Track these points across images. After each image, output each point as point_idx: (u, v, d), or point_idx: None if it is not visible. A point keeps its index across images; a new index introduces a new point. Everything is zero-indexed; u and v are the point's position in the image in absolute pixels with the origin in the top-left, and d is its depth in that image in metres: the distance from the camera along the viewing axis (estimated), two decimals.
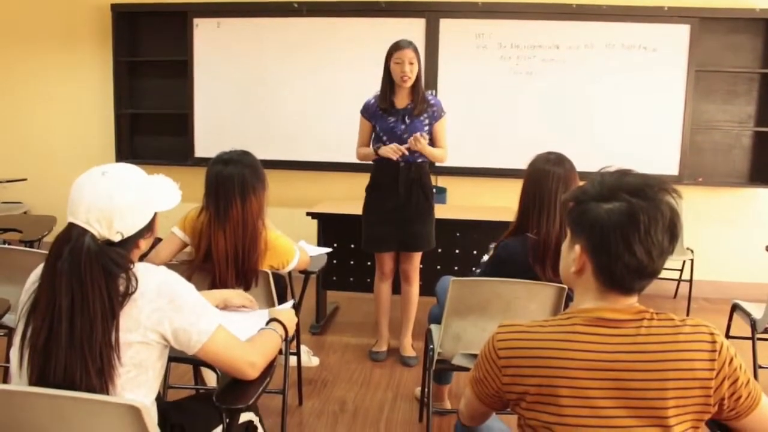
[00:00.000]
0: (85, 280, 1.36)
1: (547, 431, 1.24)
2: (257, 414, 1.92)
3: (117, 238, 1.43)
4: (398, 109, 3.50)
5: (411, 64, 3.38)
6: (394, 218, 3.57)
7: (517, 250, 2.49)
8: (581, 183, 1.33)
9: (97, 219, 1.40)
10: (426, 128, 3.51)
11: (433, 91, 5.04)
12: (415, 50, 3.41)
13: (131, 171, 1.50)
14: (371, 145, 3.61)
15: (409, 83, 3.43)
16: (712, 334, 1.25)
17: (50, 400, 1.33)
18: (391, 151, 3.41)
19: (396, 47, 3.41)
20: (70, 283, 1.36)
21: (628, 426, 1.21)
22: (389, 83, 3.47)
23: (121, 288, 1.39)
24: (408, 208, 3.56)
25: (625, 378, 1.21)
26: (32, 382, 1.38)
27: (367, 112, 3.58)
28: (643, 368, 1.21)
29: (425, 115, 3.51)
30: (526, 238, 2.47)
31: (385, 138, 3.52)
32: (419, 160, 3.55)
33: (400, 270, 3.76)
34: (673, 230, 1.24)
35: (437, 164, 3.95)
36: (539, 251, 2.44)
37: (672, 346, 1.23)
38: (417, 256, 3.70)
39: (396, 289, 3.84)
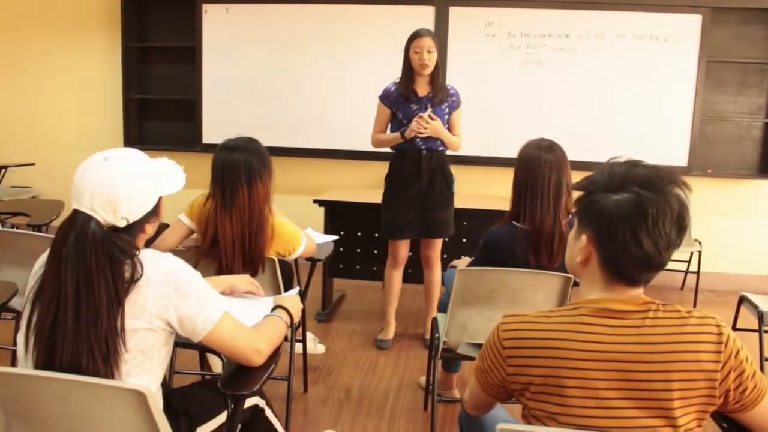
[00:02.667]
0: (90, 267, 1.36)
1: (552, 422, 1.24)
2: (263, 398, 1.93)
3: (122, 224, 1.43)
4: (420, 97, 3.52)
5: (429, 52, 3.43)
6: (416, 206, 3.60)
7: (501, 238, 2.49)
8: (589, 173, 1.32)
9: (102, 205, 1.40)
10: (446, 117, 3.56)
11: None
12: (434, 39, 3.47)
13: (134, 155, 1.50)
14: (389, 132, 3.62)
15: (428, 71, 3.46)
16: (718, 326, 1.25)
17: (56, 384, 1.33)
18: (416, 124, 3.42)
19: (415, 36, 3.46)
20: (76, 270, 1.36)
21: (633, 417, 1.20)
22: (409, 72, 3.50)
23: (127, 274, 1.39)
24: (431, 195, 3.60)
25: (631, 369, 1.20)
26: (38, 367, 1.38)
27: (388, 98, 3.59)
28: (649, 359, 1.21)
29: (445, 104, 3.55)
30: (513, 227, 2.46)
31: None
32: (440, 148, 3.59)
33: (422, 257, 3.80)
34: (681, 223, 1.23)
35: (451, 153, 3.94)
36: (532, 239, 2.43)
37: (678, 337, 1.22)
38: (439, 243, 3.75)
39: (410, 278, 3.84)
